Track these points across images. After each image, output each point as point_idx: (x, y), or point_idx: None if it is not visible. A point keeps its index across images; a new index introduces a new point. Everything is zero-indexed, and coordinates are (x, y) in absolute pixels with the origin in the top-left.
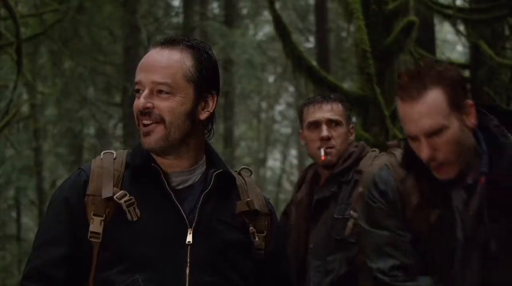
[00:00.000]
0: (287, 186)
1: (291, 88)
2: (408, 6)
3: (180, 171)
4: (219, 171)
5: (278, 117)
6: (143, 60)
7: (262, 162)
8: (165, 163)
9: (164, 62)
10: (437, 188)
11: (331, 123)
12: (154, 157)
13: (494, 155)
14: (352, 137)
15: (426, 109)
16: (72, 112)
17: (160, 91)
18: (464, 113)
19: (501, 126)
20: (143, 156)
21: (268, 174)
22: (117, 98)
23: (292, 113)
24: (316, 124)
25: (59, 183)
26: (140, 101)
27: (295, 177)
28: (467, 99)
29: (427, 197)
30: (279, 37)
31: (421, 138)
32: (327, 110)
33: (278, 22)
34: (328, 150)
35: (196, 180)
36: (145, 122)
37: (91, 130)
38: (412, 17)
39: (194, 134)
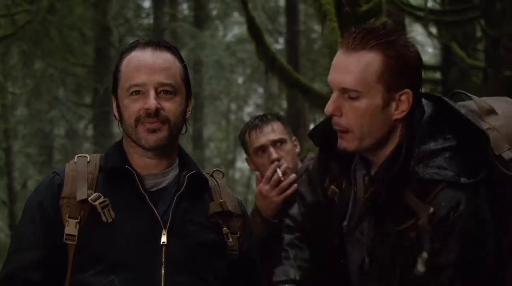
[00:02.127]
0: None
1: (260, 90)
2: (381, 7)
3: (154, 173)
4: (192, 172)
5: (247, 119)
6: (137, 62)
7: (231, 163)
8: (140, 164)
9: (164, 63)
10: (342, 166)
11: (276, 143)
12: (129, 159)
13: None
14: (297, 149)
15: (351, 65)
16: (43, 113)
17: (165, 92)
18: (394, 98)
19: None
20: (118, 158)
21: (237, 175)
22: (87, 99)
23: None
24: (262, 149)
25: (30, 183)
26: (152, 102)
27: None
28: (407, 88)
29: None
30: (252, 38)
31: (333, 93)
32: (269, 132)
33: (251, 23)
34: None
35: (170, 182)
36: (152, 123)
37: (61, 131)
38: (386, 19)
39: (179, 134)
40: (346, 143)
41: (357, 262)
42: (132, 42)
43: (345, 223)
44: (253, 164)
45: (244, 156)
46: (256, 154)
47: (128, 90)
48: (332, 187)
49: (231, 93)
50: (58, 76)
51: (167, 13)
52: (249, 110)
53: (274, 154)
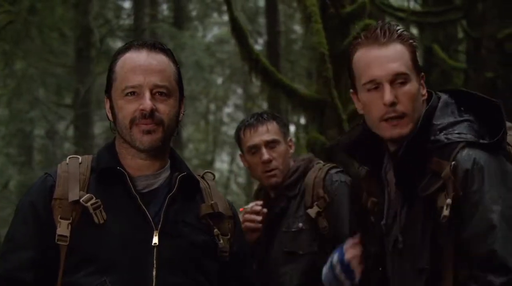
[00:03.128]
0: (235, 188)
1: (239, 90)
2: (364, 9)
3: (146, 174)
4: (183, 174)
5: (226, 119)
6: (132, 63)
7: (210, 164)
8: (133, 165)
9: (159, 65)
10: (375, 172)
11: (269, 144)
12: (122, 159)
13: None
14: (292, 150)
15: (394, 54)
16: (23, 113)
17: (160, 94)
18: (420, 81)
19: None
20: (110, 159)
21: (216, 175)
22: (68, 100)
23: (240, 115)
24: (255, 148)
25: (12, 184)
26: (147, 104)
27: (242, 179)
28: (421, 71)
29: (368, 184)
30: (235, 39)
31: (384, 85)
32: (263, 132)
33: (234, 24)
34: (272, 172)
35: (161, 183)
36: (147, 125)
37: (41, 131)
38: (369, 20)
39: (172, 136)
40: (400, 129)
41: (391, 243)
42: (126, 43)
43: (383, 222)
44: (246, 162)
45: (222, 157)
46: (249, 152)
47: (123, 91)
48: (372, 199)
49: (210, 93)
50: (39, 76)
51: (147, 13)
52: (228, 111)
53: (265, 155)
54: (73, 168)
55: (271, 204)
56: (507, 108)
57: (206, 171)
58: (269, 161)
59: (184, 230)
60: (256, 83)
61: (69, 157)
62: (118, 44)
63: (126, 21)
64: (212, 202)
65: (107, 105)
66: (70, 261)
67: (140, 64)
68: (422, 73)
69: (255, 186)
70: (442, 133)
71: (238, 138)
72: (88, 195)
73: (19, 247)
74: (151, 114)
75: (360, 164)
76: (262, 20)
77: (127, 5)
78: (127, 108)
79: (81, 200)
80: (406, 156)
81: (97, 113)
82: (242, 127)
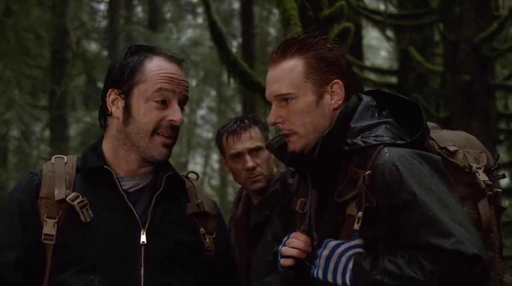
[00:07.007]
0: (209, 190)
1: (213, 93)
2: (342, 12)
3: (133, 174)
4: (169, 173)
5: (199, 122)
6: (168, 71)
7: (184, 166)
8: (123, 166)
9: (184, 80)
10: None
11: (253, 151)
12: (112, 159)
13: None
14: None
15: (279, 74)
16: None
17: (180, 107)
18: (327, 91)
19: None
20: (96, 159)
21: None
22: (43, 102)
23: (214, 117)
24: (239, 155)
25: None
26: (181, 116)
27: (216, 181)
28: (336, 79)
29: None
30: (214, 42)
31: (273, 104)
32: (246, 139)
33: (213, 27)
34: (257, 178)
35: (148, 182)
36: (169, 139)
37: (15, 132)
38: (348, 23)
39: None
40: (293, 145)
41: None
42: (151, 48)
43: (306, 222)
44: (227, 166)
45: (196, 159)
46: (232, 159)
47: (155, 96)
48: (301, 199)
49: None
50: (14, 78)
51: (122, 16)
52: (202, 113)
53: (249, 162)
54: (58, 167)
55: (255, 210)
56: (484, 111)
57: (190, 171)
58: (253, 168)
59: (171, 229)
60: (230, 86)
61: (54, 156)
62: (94, 46)
63: (102, 23)
64: (198, 201)
65: (110, 98)
66: (57, 260)
67: (175, 77)
68: (335, 81)
69: (230, 189)
70: (360, 137)
71: (220, 144)
72: (74, 193)
73: (6, 247)
74: (176, 127)
75: (287, 165)
76: (236, 22)
77: (102, 7)
78: (154, 115)
79: (67, 199)
80: (320, 158)
81: (73, 115)
82: (225, 133)
